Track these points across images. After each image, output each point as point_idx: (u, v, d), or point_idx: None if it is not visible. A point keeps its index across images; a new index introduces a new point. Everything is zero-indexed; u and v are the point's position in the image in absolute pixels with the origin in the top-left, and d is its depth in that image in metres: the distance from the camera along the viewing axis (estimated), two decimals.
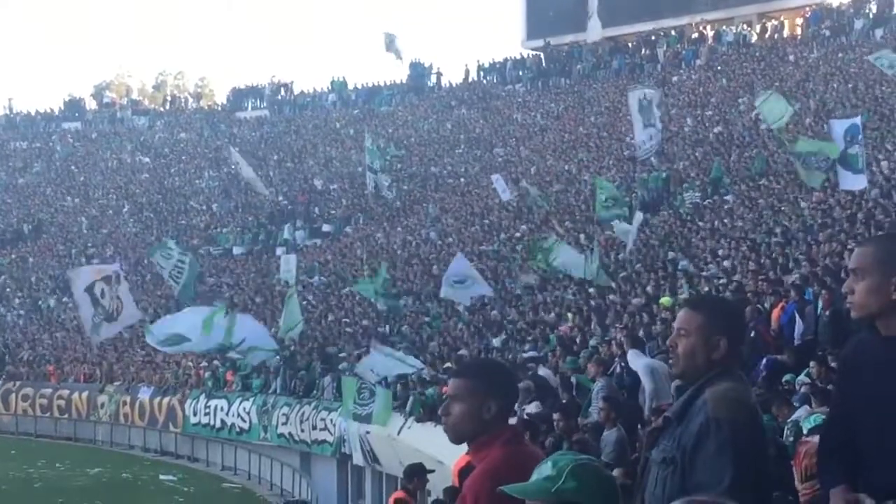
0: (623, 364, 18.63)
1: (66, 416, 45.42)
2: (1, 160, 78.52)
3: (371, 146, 51.58)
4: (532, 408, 18.71)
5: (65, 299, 56.48)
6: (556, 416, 14.57)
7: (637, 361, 17.65)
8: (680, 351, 4.83)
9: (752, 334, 18.19)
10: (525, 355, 24.73)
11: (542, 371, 21.68)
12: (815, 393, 13.66)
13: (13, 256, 63.59)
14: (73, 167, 75.66)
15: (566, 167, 48.45)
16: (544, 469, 4.09)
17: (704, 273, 26.17)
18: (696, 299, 5.41)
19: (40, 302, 56.69)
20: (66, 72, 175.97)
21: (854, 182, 28.01)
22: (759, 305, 19.91)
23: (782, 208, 30.87)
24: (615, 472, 11.59)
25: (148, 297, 51.72)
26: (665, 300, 23.94)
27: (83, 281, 35.36)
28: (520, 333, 28.02)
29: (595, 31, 63.91)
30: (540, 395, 19.61)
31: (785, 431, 12.64)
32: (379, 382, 29.07)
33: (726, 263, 26.33)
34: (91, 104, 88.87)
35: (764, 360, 17.13)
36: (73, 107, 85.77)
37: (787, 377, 15.81)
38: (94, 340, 43.18)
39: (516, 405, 8.69)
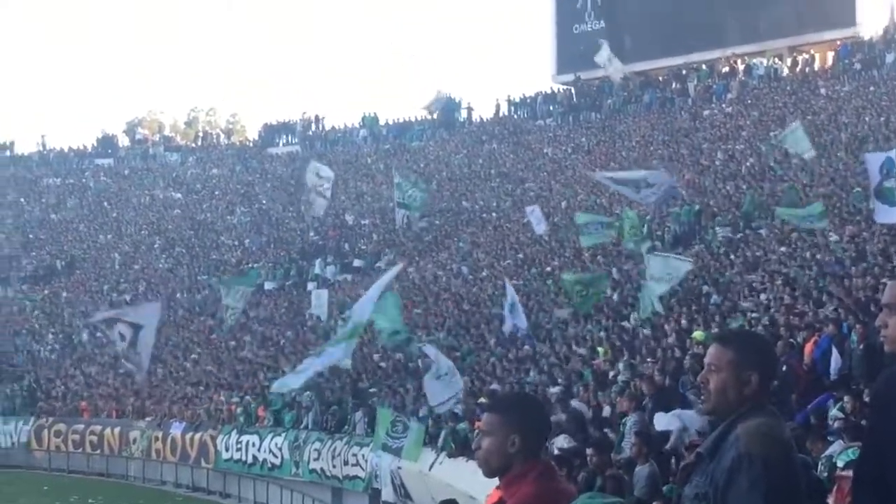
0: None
1: (98, 451, 45.45)
2: (34, 196, 79.00)
3: (400, 181, 51.59)
4: (561, 441, 18.64)
5: (98, 334, 56.70)
6: (589, 451, 14.49)
7: (664, 422, 17.61)
8: (711, 387, 4.79)
9: (784, 368, 18.09)
10: (552, 390, 24.65)
11: (576, 403, 21.62)
12: (848, 428, 13.56)
13: (46, 292, 63.88)
14: (105, 203, 76.05)
15: (598, 201, 48.34)
16: None
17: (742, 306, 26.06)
18: (725, 334, 5.35)
19: (73, 337, 56.88)
20: (98, 109, 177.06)
21: (890, 215, 27.87)
22: (791, 340, 19.81)
23: (815, 241, 30.71)
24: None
25: (179, 333, 51.88)
26: (698, 334, 23.85)
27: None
28: (552, 368, 27.92)
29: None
30: (570, 428, 19.55)
31: (819, 466, 12.55)
32: (411, 415, 28.99)
33: (762, 297, 26.20)
34: (123, 141, 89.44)
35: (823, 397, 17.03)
36: (106, 143, 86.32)
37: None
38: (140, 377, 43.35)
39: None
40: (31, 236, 72.72)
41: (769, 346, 5.11)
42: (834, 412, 15.32)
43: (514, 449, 4.89)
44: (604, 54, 61.48)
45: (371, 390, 34.68)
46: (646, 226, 37.72)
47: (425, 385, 27.50)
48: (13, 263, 69.10)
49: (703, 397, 4.94)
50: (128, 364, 40.28)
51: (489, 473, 5.02)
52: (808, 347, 19.48)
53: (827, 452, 13.02)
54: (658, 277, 28.07)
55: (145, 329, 38.21)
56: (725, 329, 21.18)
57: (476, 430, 18.77)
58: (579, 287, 32.50)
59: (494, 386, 27.99)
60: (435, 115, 71.94)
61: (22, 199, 78.81)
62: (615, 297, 33.32)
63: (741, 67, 61.34)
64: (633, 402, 18.40)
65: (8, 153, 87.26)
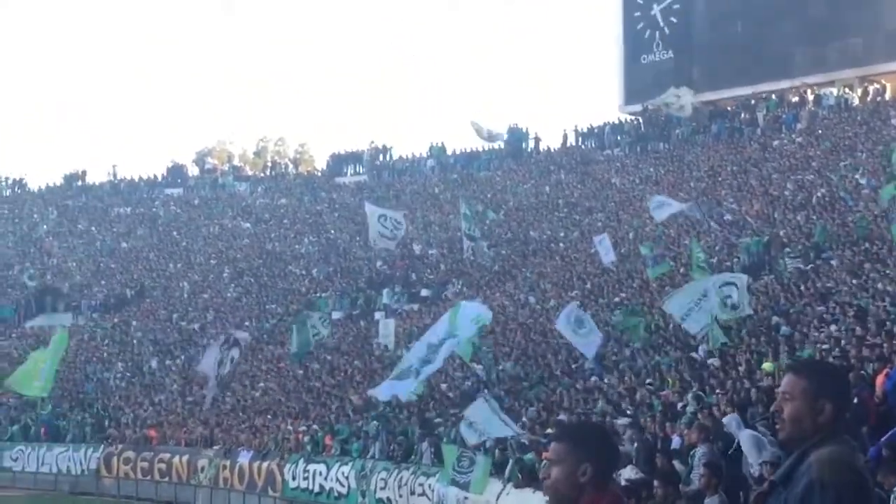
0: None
1: (166, 479, 45.69)
2: (105, 225, 79.87)
3: (467, 212, 51.67)
4: (628, 472, 18.55)
5: (167, 362, 57.17)
6: (656, 483, 14.39)
7: (736, 429, 17.53)
8: (785, 415, 4.81)
9: (856, 401, 17.90)
10: (619, 421, 24.54)
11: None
12: None
13: (116, 320, 64.46)
14: (174, 233, 76.75)
15: (665, 231, 48.16)
16: None
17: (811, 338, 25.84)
18: (799, 363, 5.36)
19: (142, 365, 57.33)
20: (168, 139, 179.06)
21: None
22: (862, 371, 19.61)
23: (887, 272, 30.40)
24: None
25: (247, 361, 52.16)
26: (767, 366, 23.69)
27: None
28: (620, 398, 27.81)
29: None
30: (639, 459, 19.45)
31: (892, 499, 12.40)
32: (478, 447, 28.94)
33: (832, 328, 25.96)
34: (193, 170, 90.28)
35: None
36: (176, 173, 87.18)
37: None
38: (207, 400, 43.88)
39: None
40: (101, 265, 73.46)
41: (843, 375, 5.10)
42: None
43: (584, 478, 4.86)
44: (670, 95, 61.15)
45: (437, 420, 34.66)
46: (715, 257, 37.54)
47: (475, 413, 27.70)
48: (84, 292, 69.83)
49: (777, 426, 4.93)
50: (209, 391, 41.18)
51: (558, 503, 4.99)
52: (880, 379, 19.26)
53: None
54: (686, 314, 28.11)
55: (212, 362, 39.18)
56: (800, 358, 21.02)
57: (543, 461, 18.72)
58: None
59: (561, 416, 27.88)
60: (496, 144, 71.82)
61: (93, 228, 79.71)
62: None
63: (811, 97, 60.98)
64: (702, 433, 18.27)
65: (79, 182, 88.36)
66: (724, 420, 19.25)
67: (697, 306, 29.05)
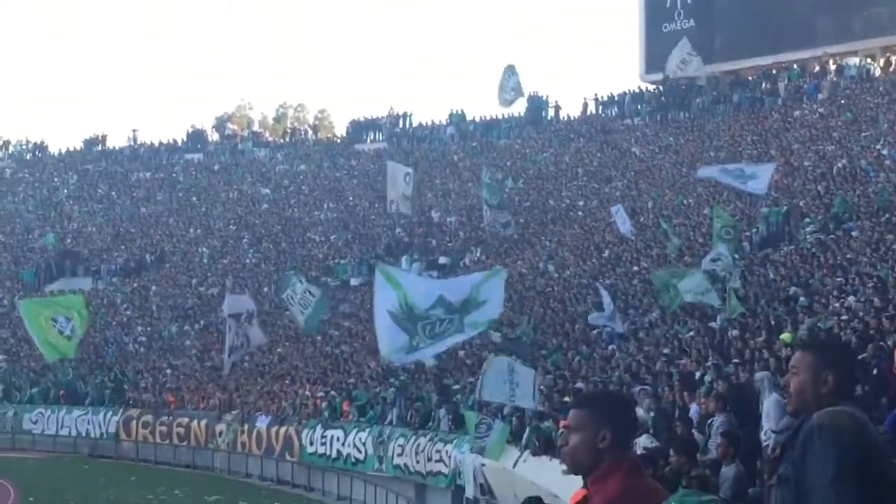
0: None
1: (185, 443, 45.93)
2: (125, 190, 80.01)
3: (488, 181, 51.56)
4: (644, 440, 18.56)
5: (186, 327, 57.34)
6: (672, 451, 14.40)
7: (767, 387, 17.58)
8: (792, 389, 5.00)
9: (875, 372, 17.87)
10: (636, 389, 24.55)
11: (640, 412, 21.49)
12: None
13: (135, 285, 64.63)
14: (194, 198, 76.83)
15: (685, 201, 48.05)
16: None
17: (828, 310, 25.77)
18: (807, 340, 5.59)
19: (162, 330, 57.52)
20: (188, 104, 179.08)
21: None
22: (882, 343, 19.56)
23: None
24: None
25: (265, 327, 52.31)
26: (786, 336, 23.64)
27: (232, 307, 36.91)
28: (638, 367, 27.80)
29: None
30: (655, 427, 19.49)
31: None
32: (496, 413, 29.00)
33: (851, 299, 25.89)
34: (213, 136, 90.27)
35: None
36: (196, 138, 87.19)
37: None
38: (226, 367, 43.96)
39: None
40: (121, 230, 73.61)
41: (848, 349, 5.34)
42: None
43: (603, 445, 4.88)
44: (675, 59, 60.71)
45: (455, 387, 34.73)
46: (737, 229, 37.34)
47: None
48: (104, 256, 70.01)
49: (786, 399, 5.09)
50: (233, 356, 41.23)
51: (576, 470, 5.00)
52: None
53: None
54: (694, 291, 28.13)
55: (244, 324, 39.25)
56: (811, 337, 21.03)
57: (561, 429, 18.73)
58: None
59: (579, 384, 27.89)
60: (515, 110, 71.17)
61: (113, 193, 79.86)
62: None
63: (833, 67, 60.66)
64: (720, 403, 18.29)
65: (99, 147, 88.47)
66: (757, 376, 19.24)
67: (713, 286, 29.21)
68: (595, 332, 33.29)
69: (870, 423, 4.87)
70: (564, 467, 5.13)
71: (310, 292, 39.42)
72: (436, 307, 21.35)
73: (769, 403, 17.47)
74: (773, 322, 26.52)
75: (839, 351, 5.13)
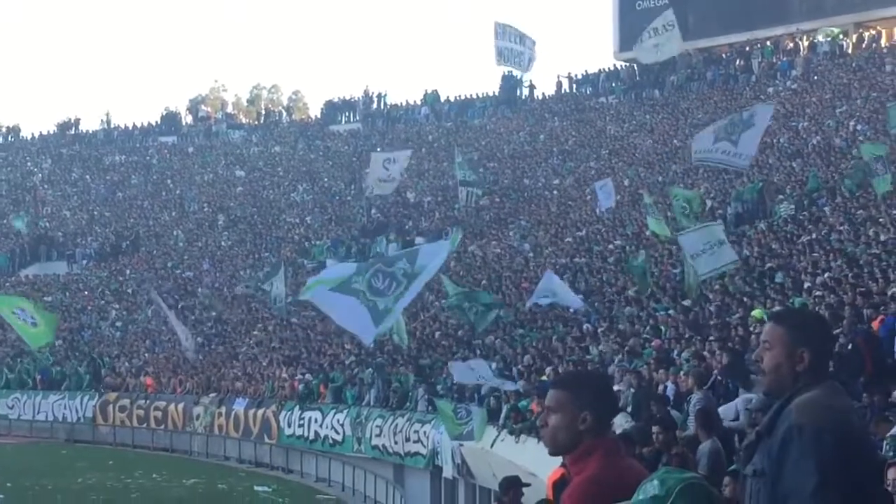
0: (719, 377, 18.57)
1: (162, 427, 45.90)
2: (99, 173, 79.71)
3: (461, 160, 51.53)
4: (619, 419, 18.57)
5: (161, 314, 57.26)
6: (655, 428, 14.44)
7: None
8: (765, 364, 4.81)
9: (850, 347, 17.93)
10: (613, 367, 24.59)
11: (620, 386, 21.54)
12: None
13: (111, 269, 64.40)
14: (168, 181, 76.58)
15: (659, 178, 48.13)
16: (650, 488, 4.02)
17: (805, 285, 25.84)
18: (779, 312, 5.37)
19: (138, 314, 57.35)
20: (162, 86, 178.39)
21: None
22: (856, 319, 19.64)
23: (880, 220, 30.39)
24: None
25: (242, 309, 52.36)
26: (757, 313, 23.69)
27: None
28: (616, 346, 27.81)
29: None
30: (634, 405, 19.56)
31: (884, 446, 12.46)
32: (470, 397, 29.06)
33: (826, 275, 25.97)
34: (187, 118, 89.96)
35: None
36: (170, 121, 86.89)
37: None
38: (190, 355, 43.95)
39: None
40: (95, 213, 73.34)
41: (823, 323, 5.09)
42: None
43: (584, 426, 4.88)
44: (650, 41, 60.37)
45: (433, 367, 34.76)
46: (699, 202, 37.16)
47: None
48: (79, 241, 69.75)
49: (759, 376, 4.98)
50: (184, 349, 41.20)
51: (555, 451, 5.01)
52: (875, 326, 19.28)
53: (892, 432, 12.93)
54: (698, 252, 27.90)
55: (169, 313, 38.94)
56: (782, 308, 21.00)
57: (541, 408, 18.76)
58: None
59: (555, 364, 27.89)
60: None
61: (87, 177, 79.58)
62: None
63: (805, 44, 60.76)
64: (697, 380, 18.36)
65: (73, 131, 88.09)
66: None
67: (711, 251, 29.00)
68: (572, 311, 33.21)
69: (851, 409, 4.80)
70: (544, 446, 5.13)
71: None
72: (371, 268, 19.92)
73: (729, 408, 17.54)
74: (747, 299, 26.55)
75: (814, 324, 4.89)
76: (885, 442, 12.59)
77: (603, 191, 43.66)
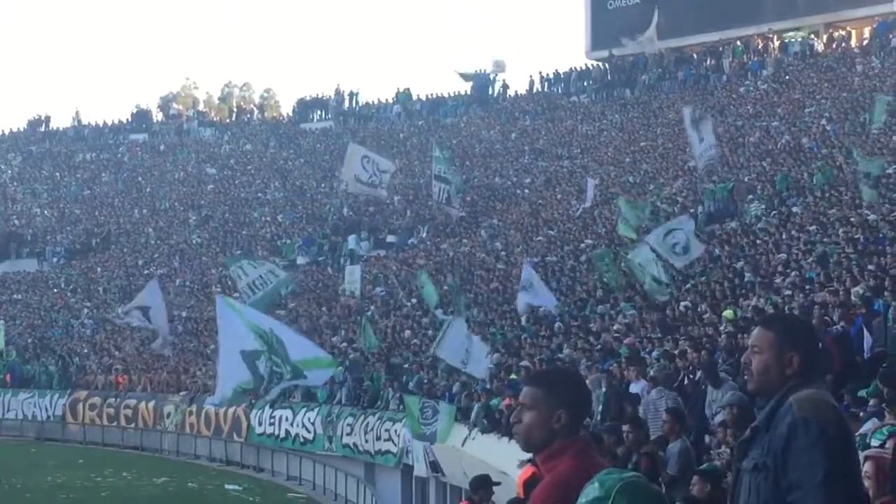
0: (690, 376, 18.62)
1: (132, 425, 45.79)
2: (69, 171, 79.38)
3: (438, 155, 51.43)
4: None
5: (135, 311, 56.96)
6: (625, 427, 14.49)
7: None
8: (754, 367, 4.98)
9: (819, 345, 18.00)
10: (583, 365, 24.63)
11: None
12: (891, 403, 13.45)
13: (82, 267, 64.15)
14: (139, 178, 76.33)
15: (630, 178, 48.23)
16: (591, 490, 4.08)
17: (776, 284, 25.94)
18: (768, 317, 5.60)
19: (108, 312, 57.13)
20: (133, 83, 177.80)
21: None
22: (826, 317, 19.74)
23: (851, 219, 30.53)
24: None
25: (212, 307, 52.10)
26: (728, 313, 23.79)
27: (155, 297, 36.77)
28: (587, 344, 27.86)
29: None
30: (605, 403, 19.65)
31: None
32: (441, 395, 29.05)
33: (794, 274, 26.08)
34: (158, 116, 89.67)
35: None
36: (141, 118, 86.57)
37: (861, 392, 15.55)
38: (166, 350, 43.83)
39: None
40: (66, 211, 73.04)
41: (810, 328, 5.30)
42: (866, 391, 15.22)
43: (559, 425, 4.90)
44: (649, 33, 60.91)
45: (405, 366, 34.76)
46: (647, 210, 37.67)
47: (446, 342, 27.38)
48: (49, 238, 69.46)
49: (746, 377, 5.10)
50: (156, 345, 41.07)
51: (529, 448, 5.04)
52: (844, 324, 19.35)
53: (861, 431, 13.00)
54: (661, 250, 28.08)
55: (153, 309, 38.74)
56: (770, 313, 21.10)
57: (514, 405, 18.80)
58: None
59: (525, 362, 27.90)
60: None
61: (57, 174, 79.25)
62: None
63: (776, 44, 61.00)
64: (668, 380, 18.42)
65: (43, 128, 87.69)
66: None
67: (675, 239, 29.17)
68: (542, 309, 33.27)
69: (839, 408, 4.96)
70: (518, 443, 5.16)
71: (273, 273, 39.24)
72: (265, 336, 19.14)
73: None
74: (719, 299, 26.66)
75: (802, 330, 5.10)
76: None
77: (590, 189, 44.31)
